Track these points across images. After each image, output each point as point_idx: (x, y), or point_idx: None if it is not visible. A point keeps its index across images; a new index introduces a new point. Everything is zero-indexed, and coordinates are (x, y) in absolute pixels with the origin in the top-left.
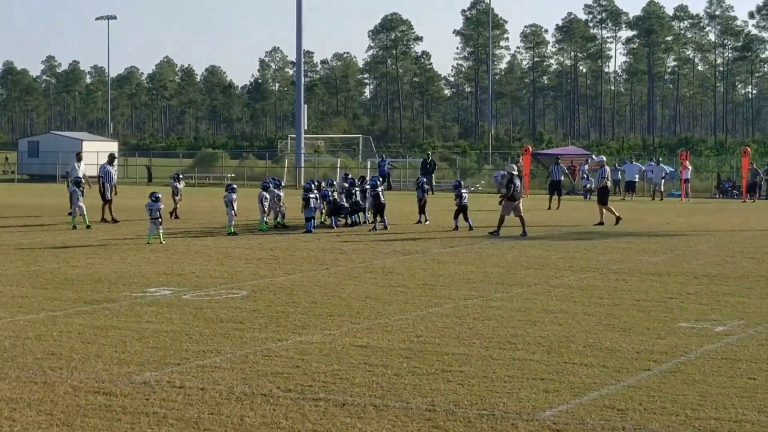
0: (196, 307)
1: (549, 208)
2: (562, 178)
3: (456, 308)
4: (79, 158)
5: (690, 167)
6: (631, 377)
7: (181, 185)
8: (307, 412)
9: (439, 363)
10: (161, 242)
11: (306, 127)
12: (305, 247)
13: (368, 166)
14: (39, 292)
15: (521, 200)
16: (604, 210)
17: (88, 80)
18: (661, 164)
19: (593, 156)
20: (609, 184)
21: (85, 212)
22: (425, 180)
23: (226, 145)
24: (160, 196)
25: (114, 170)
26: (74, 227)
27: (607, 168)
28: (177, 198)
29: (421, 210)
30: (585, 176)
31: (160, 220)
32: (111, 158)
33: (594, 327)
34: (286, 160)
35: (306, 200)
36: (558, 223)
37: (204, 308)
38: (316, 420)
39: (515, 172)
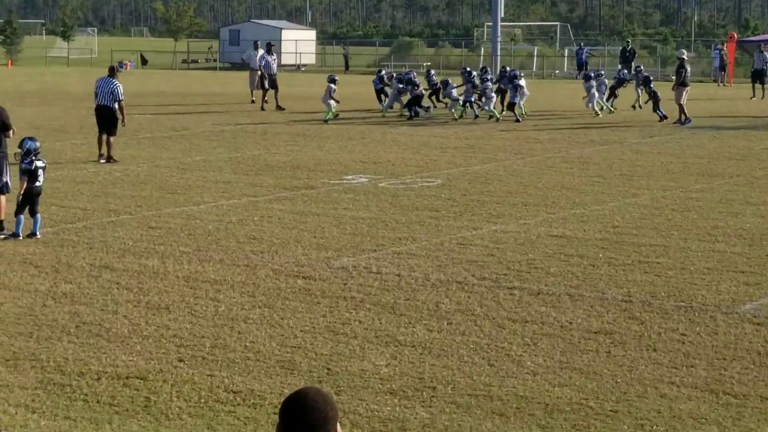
0: (392, 195)
1: (752, 97)
2: (766, 67)
3: (654, 199)
4: (255, 47)
5: None
6: None
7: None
8: (502, 300)
9: (635, 254)
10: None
11: (502, 15)
12: (500, 136)
13: (566, 55)
14: (241, 177)
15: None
16: None
17: None
18: None
19: None
20: None
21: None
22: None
23: (422, 33)
24: (336, 78)
25: (273, 59)
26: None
27: None
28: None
29: (612, 94)
30: None
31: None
32: (268, 47)
33: None
34: (482, 49)
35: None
36: (762, 113)
37: (400, 196)
38: (510, 308)
39: (685, 57)
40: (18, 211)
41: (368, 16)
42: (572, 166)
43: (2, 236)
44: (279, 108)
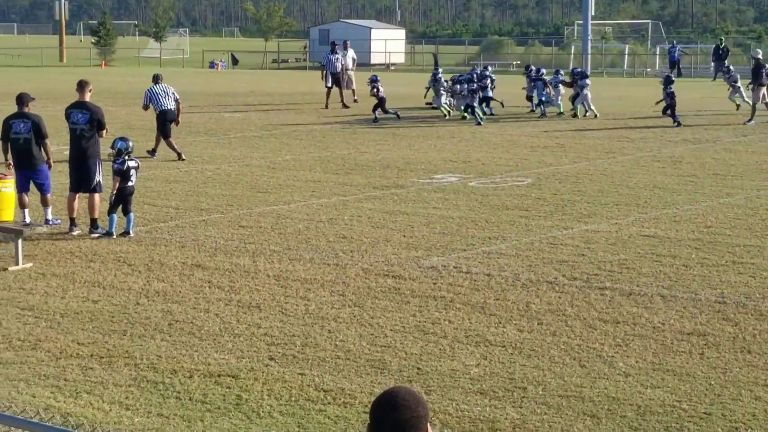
0: (481, 194)
1: None
2: None
3: (748, 199)
4: (340, 47)
5: None
6: None
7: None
8: (593, 301)
9: (729, 254)
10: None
11: (593, 13)
12: (591, 135)
13: (657, 53)
14: (330, 177)
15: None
16: None
17: None
18: None
19: None
20: None
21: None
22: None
23: (511, 31)
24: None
25: (335, 58)
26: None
27: None
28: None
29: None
30: None
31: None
32: (333, 46)
33: None
34: (573, 47)
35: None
36: None
37: (489, 195)
38: (602, 308)
39: (760, 56)
40: (111, 210)
41: (458, 14)
42: (664, 166)
43: (96, 234)
44: (344, 106)
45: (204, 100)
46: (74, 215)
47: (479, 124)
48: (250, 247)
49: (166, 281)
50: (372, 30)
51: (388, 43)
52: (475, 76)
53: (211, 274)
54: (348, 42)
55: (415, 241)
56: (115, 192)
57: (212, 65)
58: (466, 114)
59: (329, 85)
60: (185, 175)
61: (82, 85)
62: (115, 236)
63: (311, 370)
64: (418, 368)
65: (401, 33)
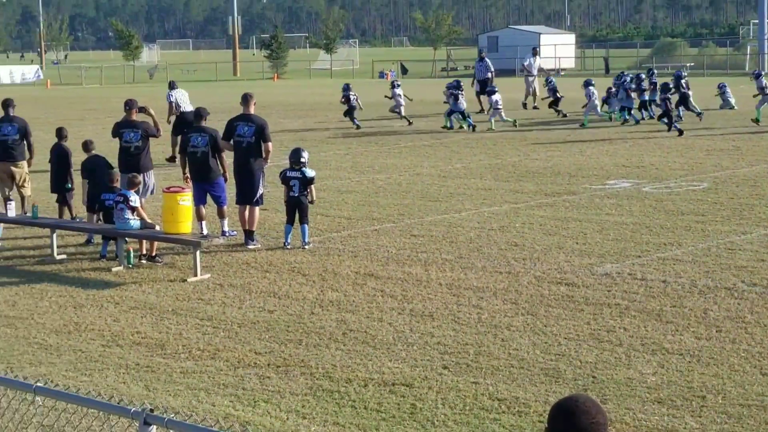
0: (656, 199)
1: None
2: None
3: None
4: (534, 53)
5: None
6: None
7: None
8: None
9: None
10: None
11: None
12: None
13: None
14: (501, 184)
15: None
16: None
17: None
18: None
19: None
20: None
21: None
22: None
23: (684, 33)
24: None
25: (482, 65)
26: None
27: None
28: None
29: None
30: None
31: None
32: (480, 54)
33: None
34: (749, 47)
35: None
36: None
37: (664, 200)
38: None
39: None
40: (287, 221)
41: (628, 17)
42: None
43: (251, 246)
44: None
45: (375, 110)
46: (246, 227)
47: (637, 122)
48: (422, 256)
49: (340, 291)
50: (541, 35)
51: (558, 48)
52: (629, 79)
53: (383, 283)
54: (537, 48)
55: (588, 247)
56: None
57: (382, 75)
58: (617, 116)
59: (477, 90)
60: (357, 185)
61: (246, 99)
62: (289, 247)
63: (485, 378)
64: (594, 377)
65: (571, 38)
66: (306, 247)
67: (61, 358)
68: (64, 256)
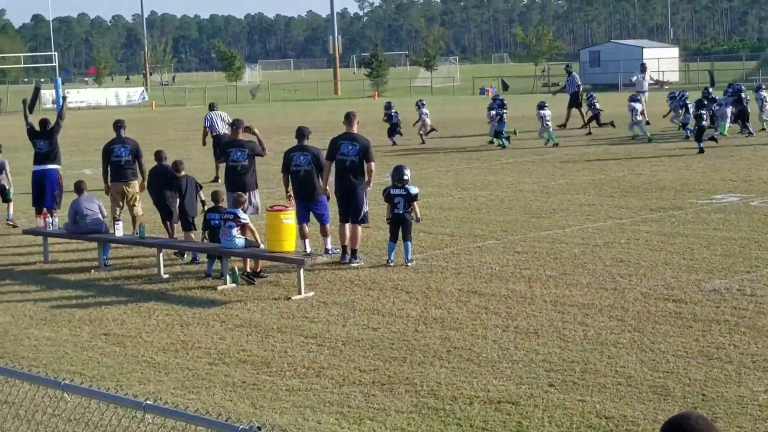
0: (764, 214)
1: None
2: None
3: None
4: (642, 69)
5: None
6: None
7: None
8: None
9: None
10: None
11: None
12: None
13: None
14: (605, 200)
15: None
16: None
17: None
18: None
19: None
20: None
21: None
22: None
23: None
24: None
25: (570, 80)
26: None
27: None
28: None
29: None
30: None
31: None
32: (567, 69)
33: None
34: None
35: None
36: None
37: None
38: None
39: None
40: (391, 238)
41: (733, 29)
42: None
43: (355, 263)
44: (584, 125)
45: (477, 127)
46: (347, 243)
47: (716, 137)
48: (526, 272)
49: (443, 308)
50: (644, 49)
51: (662, 61)
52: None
53: (487, 300)
54: (645, 64)
55: (696, 263)
56: (388, 218)
57: (482, 92)
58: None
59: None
60: (459, 202)
61: (350, 117)
62: (392, 264)
63: (592, 396)
64: (703, 394)
65: (674, 51)
66: (409, 264)
67: (168, 376)
68: (168, 276)
